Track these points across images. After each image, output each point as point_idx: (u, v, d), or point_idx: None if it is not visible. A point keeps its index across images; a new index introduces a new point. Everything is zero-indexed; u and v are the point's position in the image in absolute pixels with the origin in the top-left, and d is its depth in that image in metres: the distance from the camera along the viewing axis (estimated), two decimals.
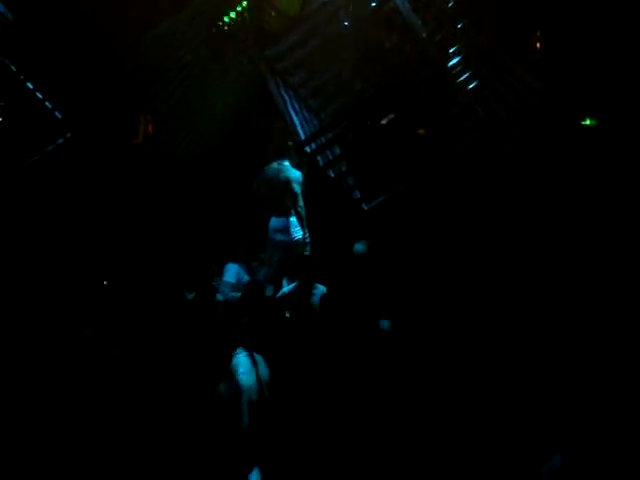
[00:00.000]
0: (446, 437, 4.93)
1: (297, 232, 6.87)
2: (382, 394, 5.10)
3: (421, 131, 7.62)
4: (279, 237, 6.91)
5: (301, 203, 6.92)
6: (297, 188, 6.91)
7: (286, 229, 6.88)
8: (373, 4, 7.65)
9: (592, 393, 4.46)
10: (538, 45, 7.49)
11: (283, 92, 7.82)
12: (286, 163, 6.94)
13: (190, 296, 6.94)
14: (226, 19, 8.56)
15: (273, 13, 8.92)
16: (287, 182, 6.85)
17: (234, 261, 6.97)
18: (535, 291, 5.96)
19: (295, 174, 6.91)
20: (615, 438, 3.49)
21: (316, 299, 5.65)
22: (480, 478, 4.67)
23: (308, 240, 6.93)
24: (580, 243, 6.20)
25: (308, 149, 7.41)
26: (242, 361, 4.55)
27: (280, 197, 6.94)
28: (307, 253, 6.83)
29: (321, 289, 5.73)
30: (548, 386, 4.98)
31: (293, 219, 6.88)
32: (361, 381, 5.13)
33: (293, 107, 7.81)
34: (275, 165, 6.95)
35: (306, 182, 7.18)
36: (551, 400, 4.81)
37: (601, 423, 3.69)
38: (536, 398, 4.94)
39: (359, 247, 6.40)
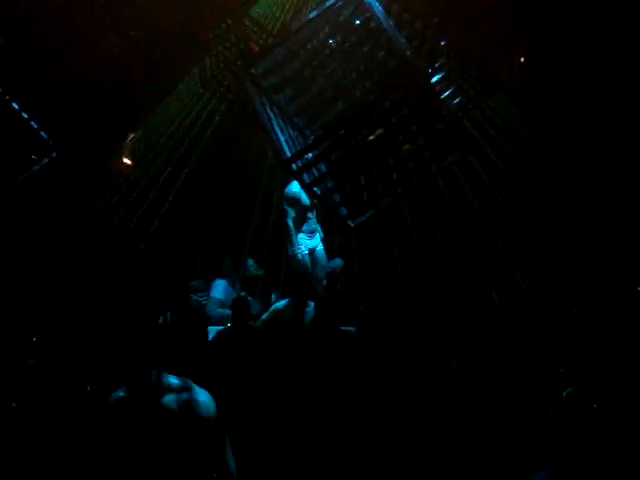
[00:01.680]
0: (434, 443, 4.92)
1: (290, 248, 6.93)
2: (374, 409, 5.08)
3: (407, 147, 7.66)
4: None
5: (285, 219, 6.97)
6: (284, 204, 6.97)
7: (288, 244, 7.01)
8: (357, 22, 7.71)
9: (586, 410, 4.48)
10: (522, 61, 7.61)
11: (268, 110, 7.82)
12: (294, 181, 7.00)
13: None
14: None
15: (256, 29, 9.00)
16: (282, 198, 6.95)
17: (222, 277, 6.94)
18: (524, 297, 6.00)
19: (286, 190, 6.96)
20: (604, 457, 3.50)
21: (309, 316, 5.61)
22: None
23: (291, 255, 7.00)
24: (574, 248, 6.25)
25: (294, 167, 7.42)
26: None
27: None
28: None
29: (314, 306, 5.64)
30: (540, 400, 5.00)
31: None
32: (354, 396, 5.11)
33: (279, 125, 7.81)
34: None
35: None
36: (543, 415, 4.83)
37: (591, 440, 3.70)
38: (528, 411, 4.96)
39: (332, 263, 6.43)
